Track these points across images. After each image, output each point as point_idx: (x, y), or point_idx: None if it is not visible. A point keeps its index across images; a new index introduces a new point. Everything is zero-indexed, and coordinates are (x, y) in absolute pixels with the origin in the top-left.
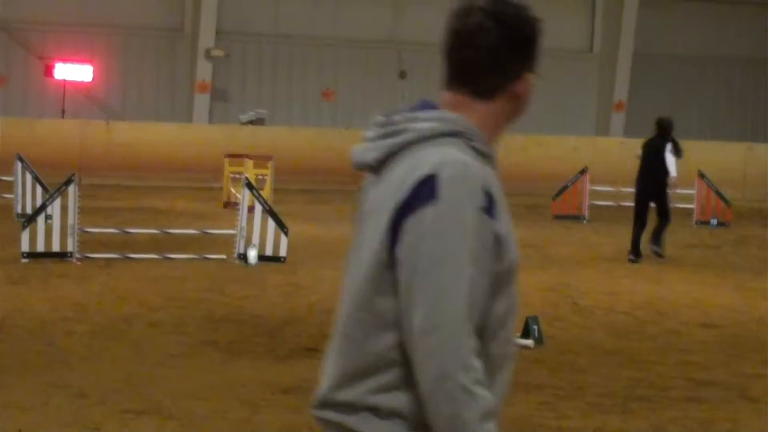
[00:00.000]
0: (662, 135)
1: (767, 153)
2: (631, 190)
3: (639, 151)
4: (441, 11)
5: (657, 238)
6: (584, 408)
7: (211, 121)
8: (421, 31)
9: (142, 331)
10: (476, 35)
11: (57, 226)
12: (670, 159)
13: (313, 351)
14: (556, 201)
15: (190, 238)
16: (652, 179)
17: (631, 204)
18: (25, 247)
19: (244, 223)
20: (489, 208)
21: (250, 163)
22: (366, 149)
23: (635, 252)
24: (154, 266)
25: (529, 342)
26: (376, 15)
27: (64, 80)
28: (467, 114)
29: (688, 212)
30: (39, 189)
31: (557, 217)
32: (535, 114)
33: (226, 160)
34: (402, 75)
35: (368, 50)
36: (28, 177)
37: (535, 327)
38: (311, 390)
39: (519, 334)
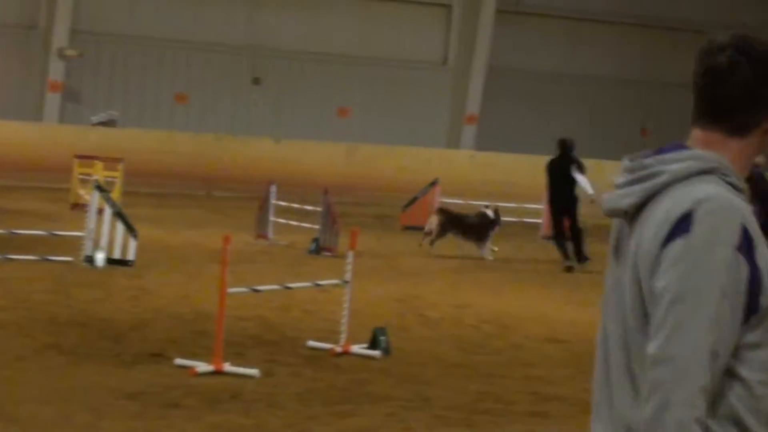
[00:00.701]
0: (565, 155)
1: (615, 170)
2: (481, 202)
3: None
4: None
5: (581, 254)
6: (430, 420)
7: (61, 121)
8: (277, 37)
9: None
10: (729, 72)
11: None
12: (581, 179)
13: (159, 356)
14: (406, 212)
15: (36, 239)
16: (564, 199)
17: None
18: None
19: (92, 226)
20: (745, 244)
21: (99, 164)
22: (620, 196)
23: (568, 257)
24: None
25: (377, 353)
26: (232, 20)
27: None
28: (720, 151)
29: (535, 227)
30: None
31: (406, 228)
32: (387, 124)
33: (76, 161)
34: (256, 81)
35: (223, 55)
36: None
37: (383, 338)
38: (156, 395)
39: (366, 345)
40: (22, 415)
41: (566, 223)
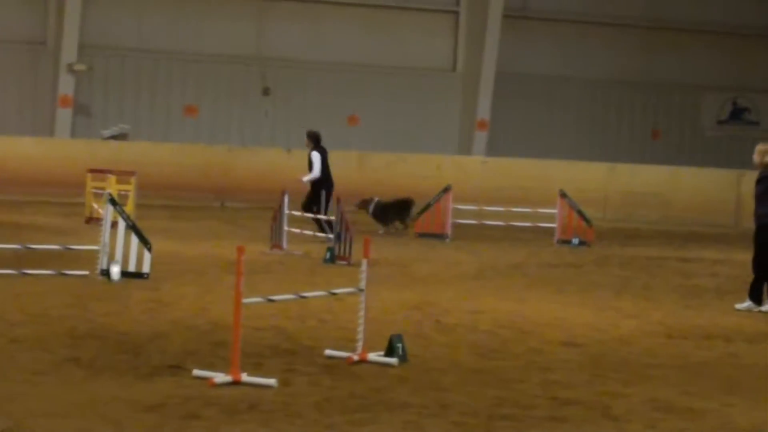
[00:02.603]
0: None
1: (628, 173)
2: (495, 208)
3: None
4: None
5: None
6: (448, 427)
7: (73, 135)
8: (286, 48)
9: (2, 347)
10: None
11: None
12: None
13: (177, 368)
14: (420, 219)
15: (52, 254)
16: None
17: (494, 223)
18: None
19: (107, 239)
20: None
21: (112, 178)
22: None
23: None
24: (15, 282)
25: (393, 360)
26: (241, 31)
27: None
28: None
29: (549, 231)
30: None
31: (420, 235)
32: (399, 132)
33: (89, 175)
34: (265, 92)
35: (232, 66)
36: None
37: (399, 345)
38: (175, 407)
39: (383, 353)
40: (41, 429)
41: None
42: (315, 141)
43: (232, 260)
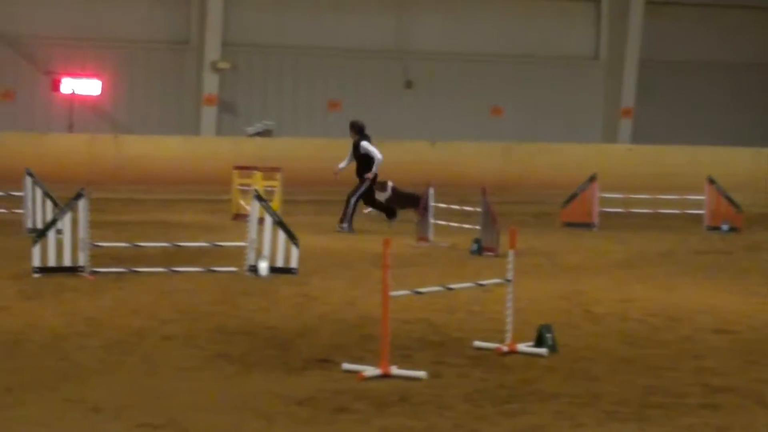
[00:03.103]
0: None
1: None
2: (642, 196)
3: None
4: (446, 21)
5: None
6: (600, 416)
7: (218, 133)
8: (427, 40)
9: (155, 344)
10: None
11: (68, 241)
12: None
13: (326, 362)
14: (566, 208)
15: (200, 251)
16: None
17: (641, 210)
18: (36, 262)
19: (254, 235)
20: None
21: (258, 174)
22: None
23: None
24: (165, 279)
25: (543, 350)
26: (382, 25)
27: (72, 94)
28: None
29: (698, 218)
30: (49, 204)
31: (567, 225)
32: (543, 122)
33: (235, 172)
34: (408, 85)
35: (374, 60)
36: (38, 192)
37: (549, 335)
38: (325, 401)
39: (532, 343)
40: (194, 425)
41: None
42: (360, 131)
43: (379, 253)
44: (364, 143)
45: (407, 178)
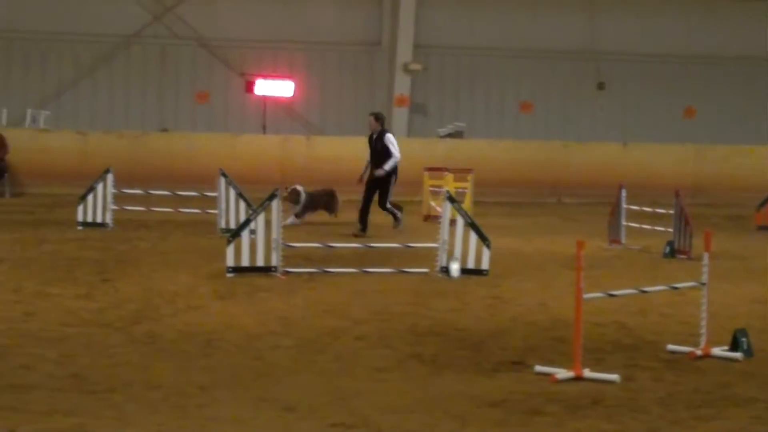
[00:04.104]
0: None
1: None
2: None
3: None
4: (638, 21)
5: None
6: None
7: (409, 134)
8: (620, 41)
9: (347, 344)
10: None
11: (261, 241)
12: None
13: (519, 364)
14: (760, 212)
15: (391, 252)
16: None
17: None
18: (230, 261)
19: (446, 237)
20: None
21: (449, 176)
22: None
23: None
24: (357, 280)
25: (738, 355)
26: (574, 26)
27: (265, 96)
28: None
29: None
30: (242, 204)
31: (761, 228)
32: (735, 123)
33: (426, 173)
34: (600, 86)
35: (566, 61)
36: (232, 192)
37: (744, 339)
38: (518, 403)
39: (727, 347)
40: (387, 425)
41: None
42: (383, 122)
43: (571, 256)
44: (390, 136)
45: (599, 179)
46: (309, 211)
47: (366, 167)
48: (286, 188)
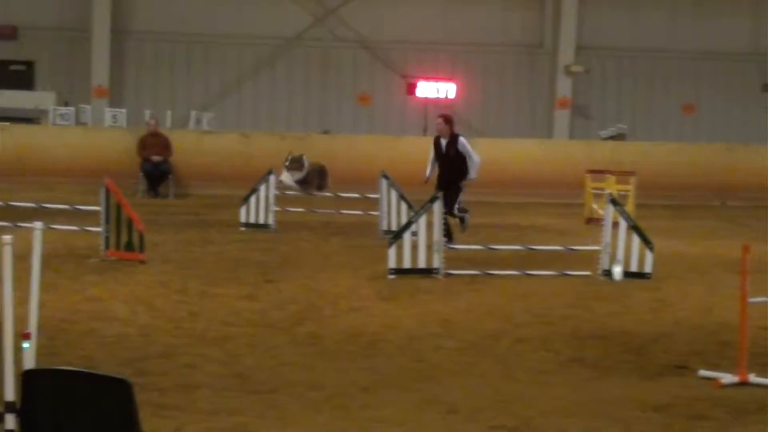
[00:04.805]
0: None
1: None
2: None
3: None
4: None
5: None
6: None
7: (571, 136)
8: None
9: (509, 347)
10: None
11: (422, 243)
12: None
13: (683, 368)
14: None
15: (553, 255)
16: None
17: None
18: (392, 263)
19: (608, 239)
20: None
21: (611, 178)
22: None
23: None
24: (519, 282)
25: None
26: (738, 27)
27: (426, 98)
28: None
29: None
30: (404, 206)
31: None
32: None
33: (588, 176)
34: (765, 88)
35: (729, 63)
36: (393, 194)
37: None
38: (682, 407)
39: None
40: (550, 428)
41: None
42: (454, 125)
43: (736, 259)
44: (464, 141)
45: (766, 182)
46: (303, 185)
47: (431, 170)
48: (291, 154)
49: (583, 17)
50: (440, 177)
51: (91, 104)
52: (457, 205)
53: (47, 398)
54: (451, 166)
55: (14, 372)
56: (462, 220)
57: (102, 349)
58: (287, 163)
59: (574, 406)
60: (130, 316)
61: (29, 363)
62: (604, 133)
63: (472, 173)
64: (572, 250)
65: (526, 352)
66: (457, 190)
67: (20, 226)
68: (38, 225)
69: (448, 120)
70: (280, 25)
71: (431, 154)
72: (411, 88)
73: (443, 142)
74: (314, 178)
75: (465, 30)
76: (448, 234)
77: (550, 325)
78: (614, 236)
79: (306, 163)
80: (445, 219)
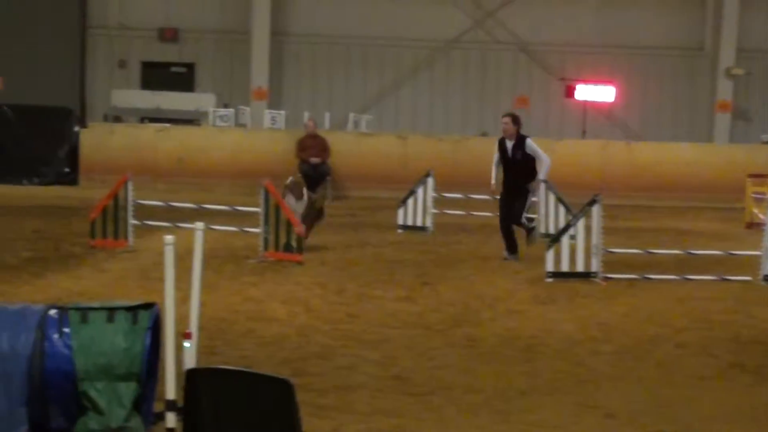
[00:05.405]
0: None
1: None
2: None
3: None
4: None
5: None
6: None
7: (731, 140)
8: None
9: (668, 352)
10: None
11: (581, 246)
12: None
13: None
14: None
15: (712, 259)
16: None
17: None
18: (549, 266)
19: None
20: None
21: None
22: None
23: None
24: (678, 287)
25: None
26: None
27: (585, 101)
28: None
29: None
30: (562, 209)
31: None
32: None
33: (748, 180)
34: None
35: None
36: (551, 197)
37: None
38: None
39: None
40: None
41: None
42: (521, 125)
43: None
44: (531, 142)
45: None
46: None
47: (495, 174)
48: (292, 177)
49: (744, 19)
50: (505, 182)
51: (250, 106)
52: (525, 215)
53: (210, 397)
54: (517, 170)
55: (175, 371)
56: (529, 231)
57: (261, 350)
58: (290, 184)
59: (734, 412)
60: (288, 316)
61: (190, 362)
62: (766, 136)
63: (542, 175)
64: (732, 254)
65: (686, 357)
66: (525, 197)
67: (180, 227)
68: (200, 225)
69: (515, 120)
70: (438, 27)
71: (495, 157)
72: (569, 91)
73: (509, 144)
74: (308, 217)
75: (623, 32)
76: (513, 246)
77: (709, 330)
78: None
79: (305, 197)
80: (510, 229)
